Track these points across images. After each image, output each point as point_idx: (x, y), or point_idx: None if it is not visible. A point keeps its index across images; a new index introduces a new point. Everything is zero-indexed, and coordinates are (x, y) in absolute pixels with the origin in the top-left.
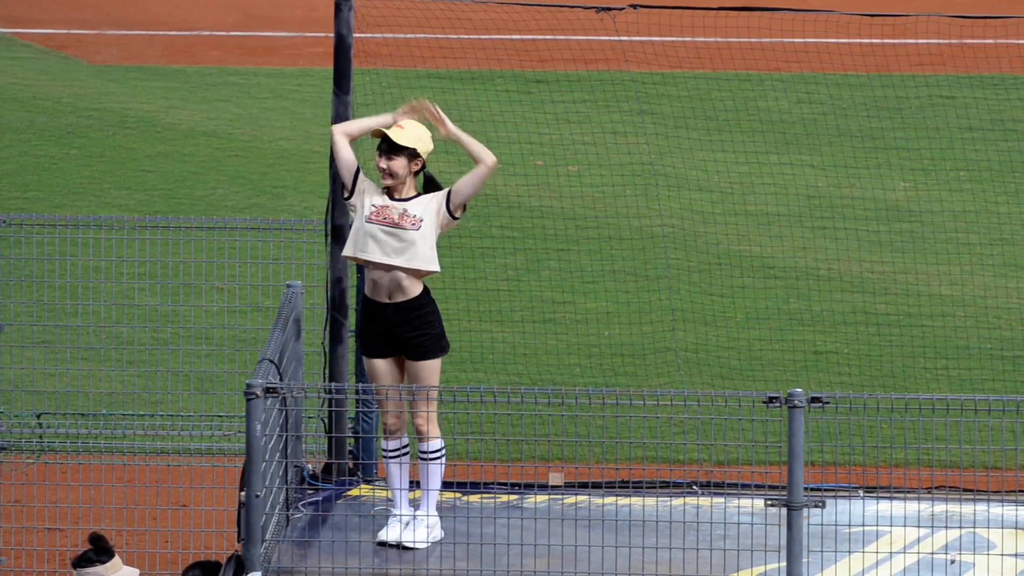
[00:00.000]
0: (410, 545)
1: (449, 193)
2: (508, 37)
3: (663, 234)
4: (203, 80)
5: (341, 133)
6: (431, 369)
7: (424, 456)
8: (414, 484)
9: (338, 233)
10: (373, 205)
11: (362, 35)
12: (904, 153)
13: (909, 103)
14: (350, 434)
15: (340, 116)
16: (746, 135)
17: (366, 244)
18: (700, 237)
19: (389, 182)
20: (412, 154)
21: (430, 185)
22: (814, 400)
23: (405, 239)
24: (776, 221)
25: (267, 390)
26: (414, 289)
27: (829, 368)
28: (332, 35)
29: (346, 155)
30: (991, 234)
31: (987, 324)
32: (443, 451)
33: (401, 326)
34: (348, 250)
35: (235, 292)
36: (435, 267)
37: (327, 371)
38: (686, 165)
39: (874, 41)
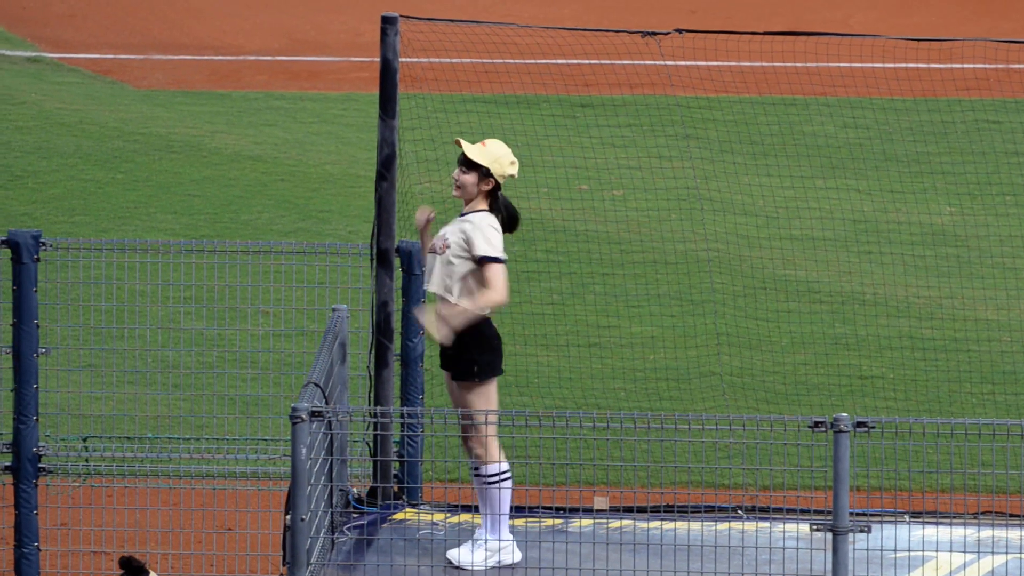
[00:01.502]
0: (455, 563)
1: (479, 262)
2: (554, 61)
3: (708, 258)
4: (248, 104)
5: None
6: (468, 392)
7: (478, 478)
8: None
9: (383, 257)
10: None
11: (408, 59)
12: (950, 178)
13: (955, 128)
14: (395, 458)
15: (385, 140)
16: (791, 159)
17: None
18: (745, 261)
19: (456, 194)
20: (485, 172)
21: (495, 207)
22: (860, 425)
23: (433, 262)
24: (821, 245)
25: (313, 414)
26: (451, 308)
27: (875, 393)
28: (377, 59)
29: None
30: None
31: None
32: (500, 475)
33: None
34: None
35: (280, 316)
36: (449, 296)
37: (372, 395)
38: (731, 189)
39: (920, 66)
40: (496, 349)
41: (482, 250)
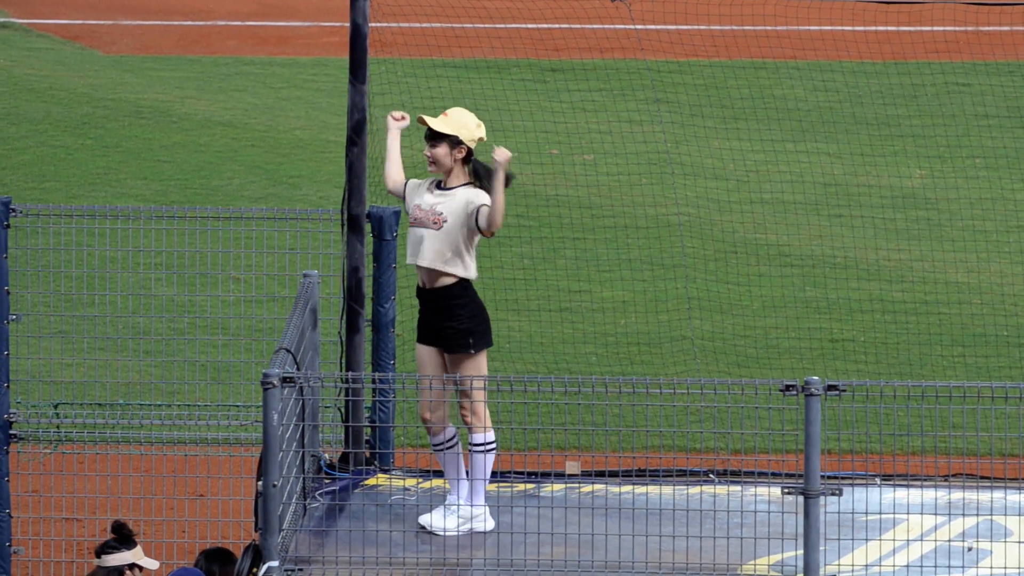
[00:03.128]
0: (432, 531)
1: (478, 211)
2: (523, 26)
3: (679, 222)
4: (218, 70)
5: (390, 180)
6: (462, 364)
7: (471, 448)
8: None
9: (354, 222)
10: (414, 206)
11: (378, 24)
12: (920, 141)
13: (925, 90)
14: (367, 423)
15: (356, 105)
16: (762, 123)
17: (410, 248)
18: (716, 225)
19: (433, 169)
20: (454, 141)
21: (478, 175)
22: (830, 388)
23: (428, 238)
24: (792, 209)
25: (284, 379)
26: (445, 279)
27: (845, 356)
28: (347, 24)
29: (395, 187)
30: (1007, 221)
31: (1003, 311)
32: (488, 444)
33: (433, 314)
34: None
35: (251, 282)
36: (453, 269)
37: (344, 360)
38: (702, 153)
39: (890, 28)
40: (487, 321)
41: (487, 199)
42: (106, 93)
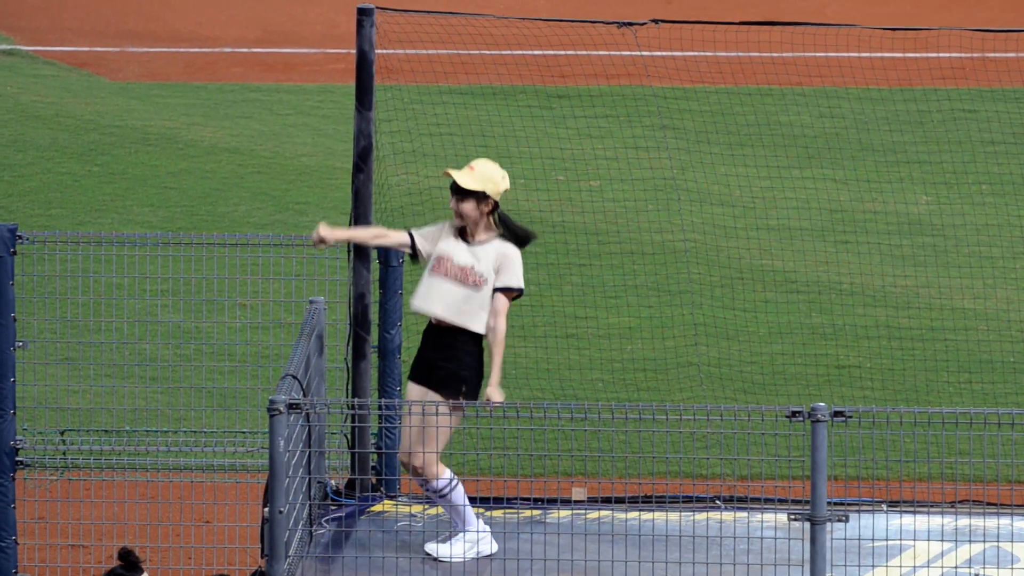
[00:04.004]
0: (434, 555)
1: (497, 290)
2: (529, 52)
3: (685, 249)
4: (224, 97)
5: (391, 241)
6: (442, 406)
7: (435, 494)
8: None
9: (360, 249)
10: (442, 258)
11: (384, 51)
12: (926, 167)
13: (931, 117)
14: (373, 450)
15: (362, 132)
16: (768, 150)
17: (429, 297)
18: (722, 252)
19: (459, 223)
20: (481, 196)
21: (505, 228)
22: (837, 414)
23: (461, 295)
24: (798, 235)
25: (290, 406)
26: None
27: (852, 382)
28: (354, 51)
29: (395, 242)
30: (1014, 247)
31: (1010, 338)
32: (450, 485)
33: (436, 351)
34: (415, 302)
35: (258, 308)
36: (475, 326)
37: (350, 387)
38: (708, 180)
39: (896, 55)
40: (481, 376)
41: (517, 282)
42: (112, 120)
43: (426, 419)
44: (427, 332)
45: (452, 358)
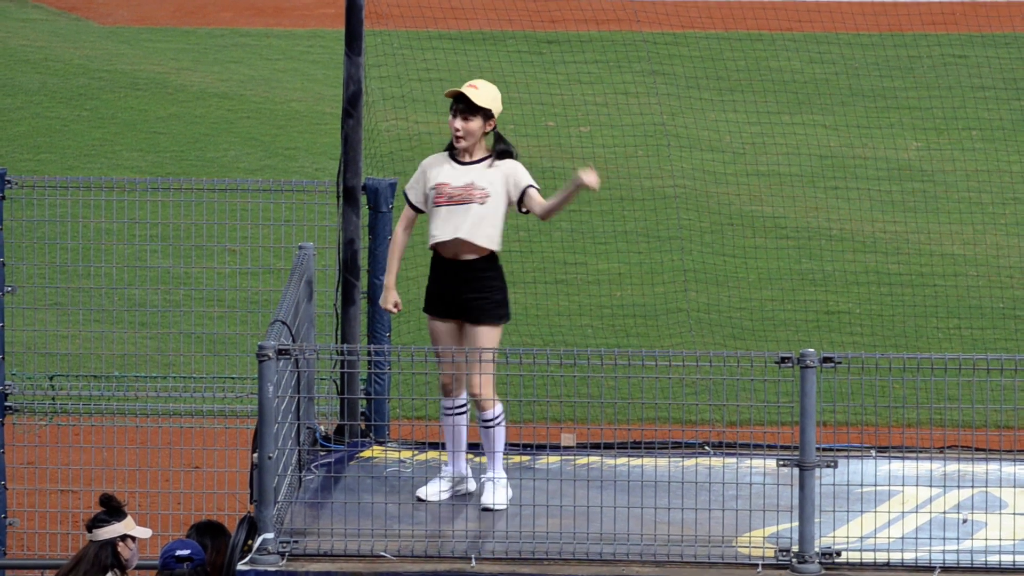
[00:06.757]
0: (491, 507)
1: (525, 192)
2: None
3: (675, 195)
4: (214, 41)
5: (403, 226)
6: (487, 336)
7: (485, 424)
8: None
9: (350, 194)
10: (434, 188)
11: None
12: (916, 113)
13: (921, 62)
14: (362, 395)
15: (352, 77)
16: (758, 95)
17: (444, 227)
18: (712, 198)
19: (464, 144)
20: (487, 114)
21: (500, 147)
22: (826, 360)
23: (469, 212)
24: (788, 181)
25: (279, 352)
26: (477, 252)
27: (841, 328)
28: None
29: (411, 220)
30: (1003, 193)
31: (999, 284)
32: (502, 416)
33: (461, 287)
34: (432, 239)
35: (247, 254)
36: (496, 247)
37: (339, 332)
38: (698, 126)
39: (886, 0)
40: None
41: (531, 180)
42: (101, 64)
43: (473, 352)
44: (442, 266)
45: (481, 288)
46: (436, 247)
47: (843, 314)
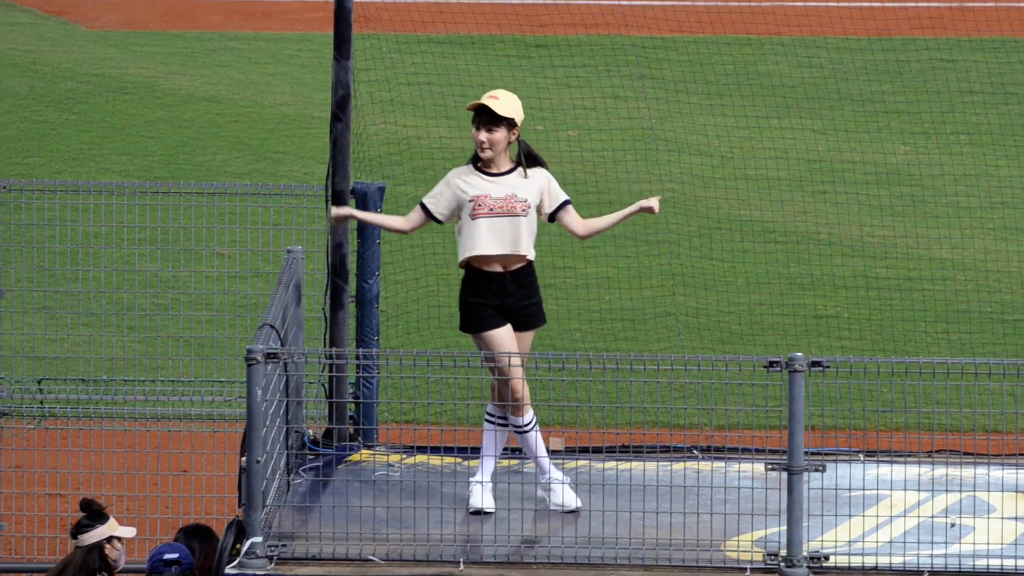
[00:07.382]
0: (562, 509)
1: (562, 207)
2: (508, 2)
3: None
4: (202, 45)
5: (408, 224)
6: (530, 339)
7: (525, 428)
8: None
9: (338, 198)
10: (473, 198)
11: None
12: (904, 117)
13: (909, 67)
14: (351, 399)
15: (340, 81)
16: (746, 99)
17: (473, 239)
18: (700, 202)
19: (489, 155)
20: (511, 124)
21: (529, 159)
22: (814, 364)
23: (515, 225)
24: (776, 185)
25: (268, 355)
26: (523, 260)
27: (829, 332)
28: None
29: (417, 223)
30: (991, 198)
31: (987, 288)
32: (535, 420)
33: (516, 295)
34: (470, 253)
35: (235, 257)
36: (530, 252)
37: (328, 336)
38: (686, 130)
39: (875, 5)
40: None
41: (565, 194)
42: (90, 68)
43: (522, 357)
44: (489, 280)
45: (532, 293)
46: (477, 260)
47: (831, 318)
